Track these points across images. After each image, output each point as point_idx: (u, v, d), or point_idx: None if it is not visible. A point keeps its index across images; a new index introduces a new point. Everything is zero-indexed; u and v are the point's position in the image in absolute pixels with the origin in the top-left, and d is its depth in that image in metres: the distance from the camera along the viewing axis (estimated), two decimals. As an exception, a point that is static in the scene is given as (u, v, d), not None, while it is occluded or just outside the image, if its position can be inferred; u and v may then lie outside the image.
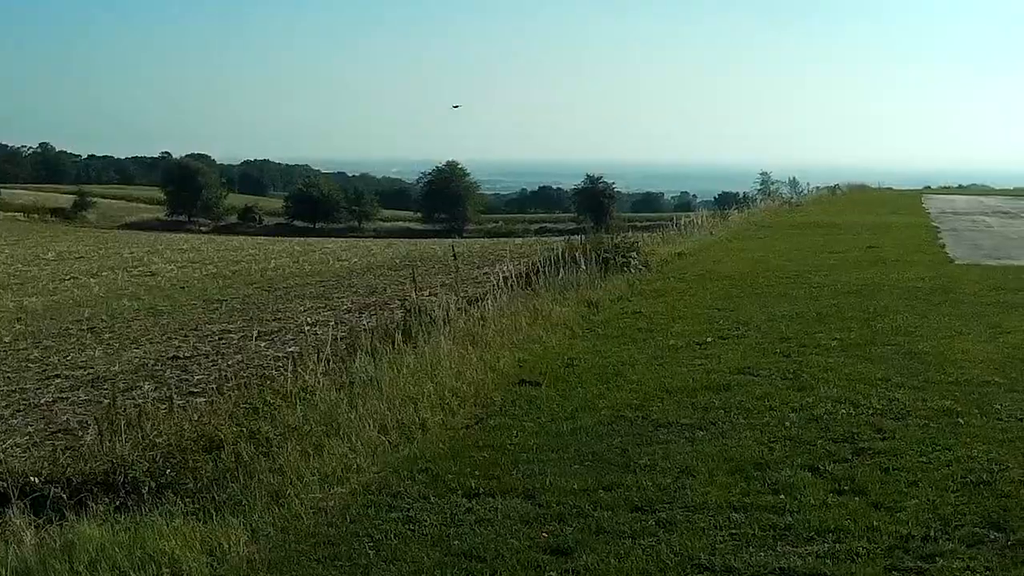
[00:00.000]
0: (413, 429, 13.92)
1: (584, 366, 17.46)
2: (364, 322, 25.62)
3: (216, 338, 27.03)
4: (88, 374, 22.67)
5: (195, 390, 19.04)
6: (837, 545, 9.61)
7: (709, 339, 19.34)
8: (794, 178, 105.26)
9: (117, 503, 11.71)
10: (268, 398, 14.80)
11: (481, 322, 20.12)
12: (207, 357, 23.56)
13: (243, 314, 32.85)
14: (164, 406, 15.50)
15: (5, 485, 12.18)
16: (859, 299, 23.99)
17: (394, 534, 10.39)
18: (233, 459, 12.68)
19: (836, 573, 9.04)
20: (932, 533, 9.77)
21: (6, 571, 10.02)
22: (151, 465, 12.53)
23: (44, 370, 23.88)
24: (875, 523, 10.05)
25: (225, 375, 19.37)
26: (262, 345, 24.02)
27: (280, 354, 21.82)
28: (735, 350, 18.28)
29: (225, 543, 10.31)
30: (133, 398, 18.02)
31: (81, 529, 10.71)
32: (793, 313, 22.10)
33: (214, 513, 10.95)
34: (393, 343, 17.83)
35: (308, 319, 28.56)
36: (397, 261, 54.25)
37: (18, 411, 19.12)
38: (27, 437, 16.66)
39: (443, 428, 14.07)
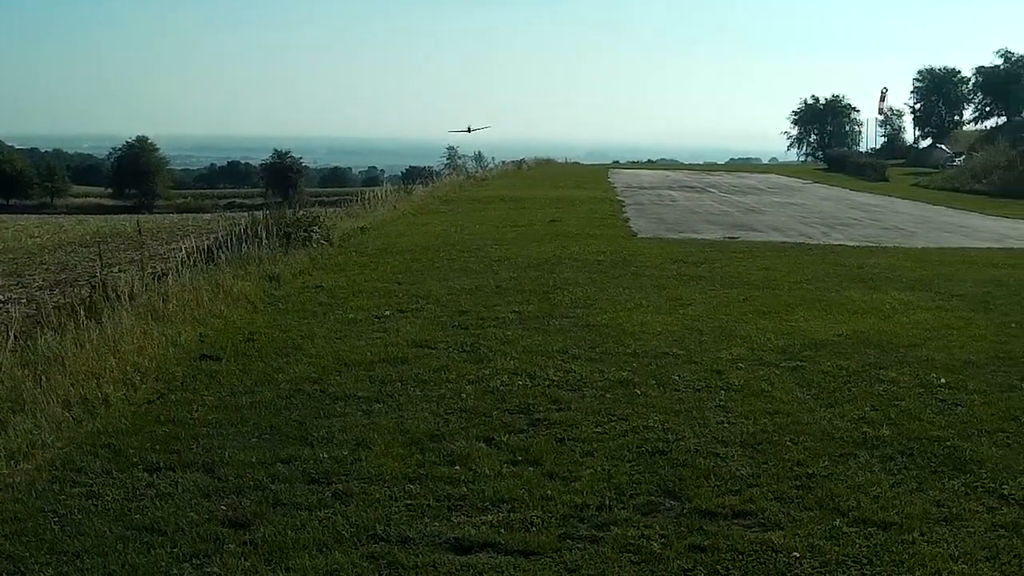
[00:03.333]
0: (96, 404, 13.79)
1: (264, 340, 17.42)
2: (55, 299, 24.98)
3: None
4: None
5: None
6: (512, 515, 9.87)
7: (388, 313, 19.56)
8: (479, 152, 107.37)
9: None
10: None
11: (164, 298, 19.94)
12: None
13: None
14: None
15: None
16: (539, 273, 24.66)
17: (78, 509, 10.28)
18: None
19: (510, 542, 9.29)
20: (607, 502, 10.14)
21: None
22: None
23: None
24: (550, 493, 10.37)
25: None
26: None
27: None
28: (414, 323, 18.53)
29: None
30: None
31: None
32: (473, 287, 22.53)
33: None
34: (77, 319, 17.56)
35: (1, 296, 27.91)
36: (88, 238, 53.18)
37: None
38: None
39: (125, 403, 13.91)
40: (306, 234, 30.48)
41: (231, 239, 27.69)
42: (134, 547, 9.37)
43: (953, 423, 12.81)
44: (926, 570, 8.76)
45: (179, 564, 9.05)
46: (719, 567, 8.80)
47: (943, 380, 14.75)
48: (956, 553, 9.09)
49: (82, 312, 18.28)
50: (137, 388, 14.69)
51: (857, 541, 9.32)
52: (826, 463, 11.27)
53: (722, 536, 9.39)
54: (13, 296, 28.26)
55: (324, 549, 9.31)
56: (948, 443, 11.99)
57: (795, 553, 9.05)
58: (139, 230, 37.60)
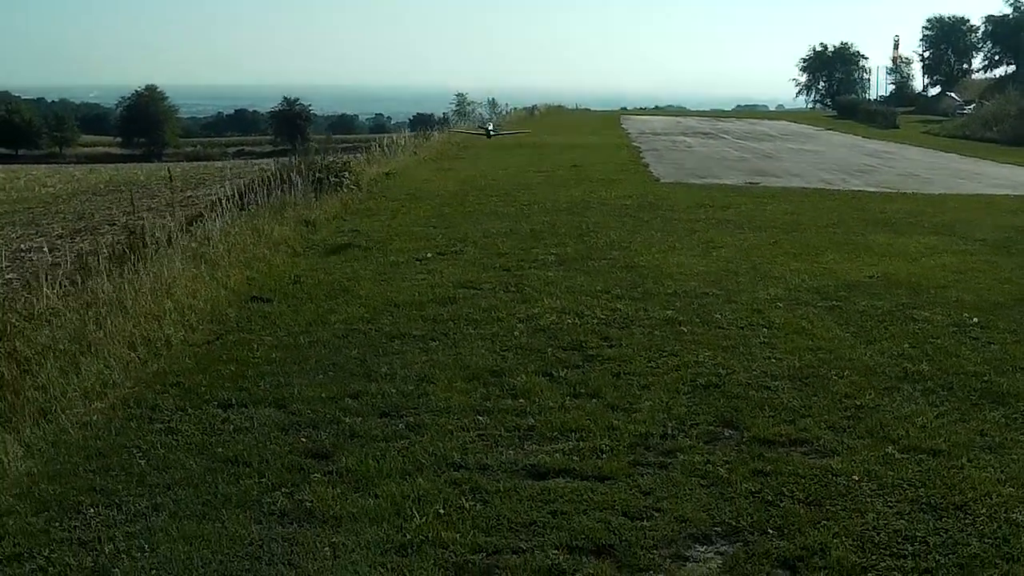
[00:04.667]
0: (159, 345, 14.21)
1: (311, 283, 17.84)
2: (78, 247, 25.35)
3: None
4: None
5: None
6: (581, 443, 10.34)
7: (428, 255, 19.96)
8: (493, 99, 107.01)
9: None
10: (13, 320, 14.89)
11: (206, 242, 20.31)
12: None
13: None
14: None
15: None
16: (570, 216, 25.07)
17: (159, 444, 10.69)
18: None
19: (584, 468, 9.76)
20: (670, 431, 10.61)
21: None
22: None
23: None
24: (614, 423, 10.83)
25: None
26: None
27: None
28: (455, 265, 18.94)
29: (3, 458, 10.49)
30: None
31: None
32: (507, 230, 22.93)
33: None
34: (123, 265, 17.94)
35: (22, 245, 28.17)
36: (102, 186, 53.35)
37: None
38: None
39: (186, 344, 14.34)
40: (337, 179, 30.81)
41: (261, 185, 28.02)
42: (222, 478, 9.81)
43: (988, 359, 13.26)
44: (977, 492, 9.21)
45: (270, 493, 9.50)
46: (784, 489, 9.26)
47: (975, 319, 15.19)
48: (1003, 477, 9.55)
49: (132, 257, 18.72)
50: (195, 329, 15.13)
51: (909, 466, 9.78)
52: (872, 395, 11.73)
53: (783, 462, 9.86)
54: (34, 244, 28.57)
55: (407, 476, 9.78)
56: (985, 378, 12.46)
57: (854, 476, 9.53)
58: (170, 177, 37.72)
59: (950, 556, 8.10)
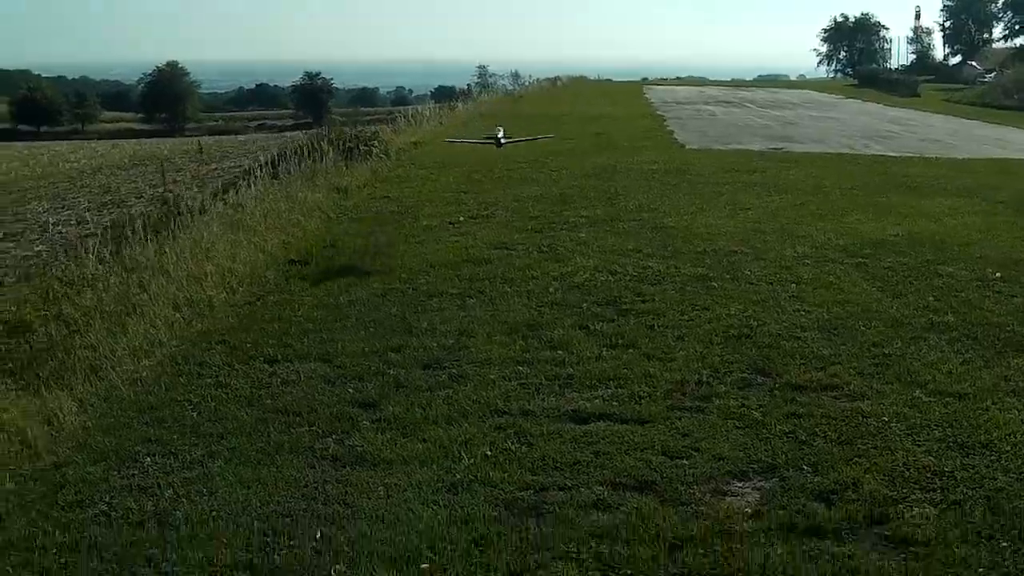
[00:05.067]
0: (202, 306, 14.64)
1: (346, 245, 18.21)
2: (108, 219, 25.73)
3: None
4: None
5: None
6: (620, 390, 10.69)
7: (461, 219, 20.26)
8: (516, 71, 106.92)
9: None
10: (55, 286, 15.35)
11: (241, 209, 20.68)
12: None
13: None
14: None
15: None
16: (598, 181, 25.34)
17: (210, 397, 11.07)
18: (45, 339, 13.40)
19: (624, 412, 10.10)
20: (705, 378, 10.96)
21: None
22: None
23: None
24: (651, 371, 11.17)
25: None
26: (10, 246, 23.97)
27: (27, 253, 21.87)
28: (488, 228, 19.23)
29: (59, 413, 10.91)
30: None
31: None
32: (537, 195, 23.19)
33: (42, 388, 11.53)
34: (159, 233, 18.36)
35: (50, 218, 28.54)
36: (125, 161, 53.58)
37: None
38: None
39: (228, 305, 14.74)
40: (367, 148, 31.18)
41: (292, 154, 28.39)
42: (274, 427, 10.17)
43: (1011, 311, 13.56)
44: (1001, 431, 9.53)
45: (322, 439, 9.87)
46: (817, 430, 9.59)
47: (998, 274, 15.46)
48: (1026, 419, 9.89)
49: (173, 224, 19.17)
50: (236, 291, 15.51)
51: (936, 409, 10.09)
52: (899, 344, 12.04)
53: (815, 405, 10.19)
54: (62, 217, 28.96)
55: (453, 422, 10.12)
56: (1008, 328, 12.76)
57: (884, 418, 9.84)
58: (200, 149, 38.17)
59: (977, 489, 8.41)
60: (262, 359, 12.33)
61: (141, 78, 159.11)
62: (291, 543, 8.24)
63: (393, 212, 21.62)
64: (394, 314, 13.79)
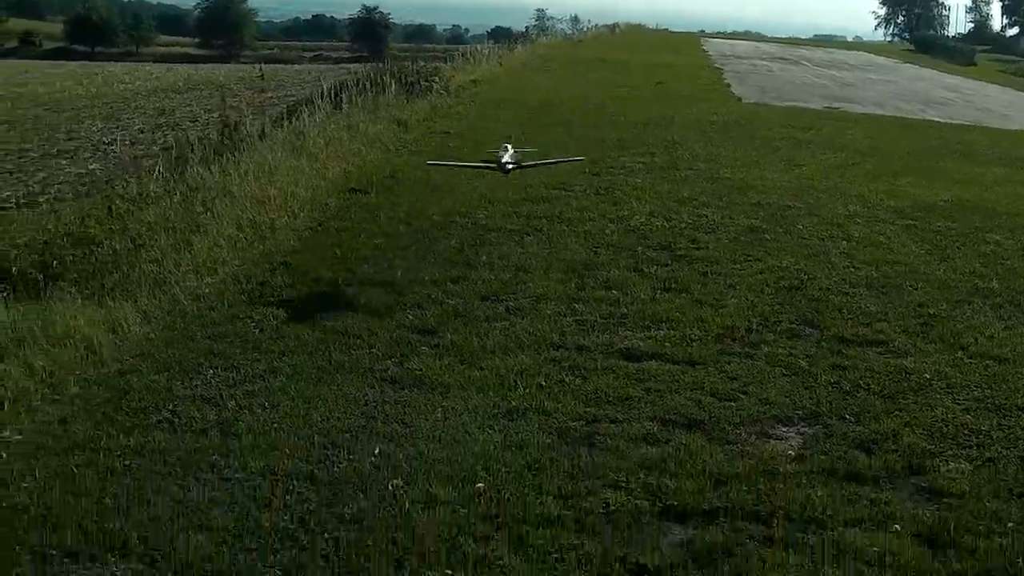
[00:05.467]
0: (264, 228, 14.95)
1: (406, 177, 18.46)
2: (160, 141, 26.05)
3: (16, 156, 26.95)
4: None
5: (6, 205, 19.27)
6: (672, 331, 10.96)
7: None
8: (575, 15, 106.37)
9: (8, 293, 12.57)
10: (118, 202, 15.71)
11: (302, 136, 20.94)
12: (11, 174, 23.60)
13: (37, 133, 32.59)
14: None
15: None
16: (657, 129, 25.44)
17: (272, 316, 11.41)
18: (111, 253, 13.74)
19: (675, 353, 10.39)
20: (754, 326, 11.22)
21: None
22: (34, 259, 13.59)
23: None
24: (702, 316, 11.43)
25: (32, 190, 19.88)
26: (63, 163, 24.28)
27: (82, 171, 22.17)
28: (546, 168, 19.35)
29: (124, 323, 11.28)
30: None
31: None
32: (596, 138, 23.31)
33: (107, 298, 11.91)
34: (219, 155, 18.67)
35: (104, 138, 28.83)
36: (180, 84, 53.84)
37: None
38: None
39: (290, 229, 15.04)
40: (427, 84, 31.39)
41: (353, 86, 28.60)
42: (335, 347, 10.50)
43: (1057, 283, 13.70)
44: (1039, 395, 9.79)
45: (381, 361, 10.19)
46: (861, 382, 9.83)
47: (1045, 245, 15.57)
48: (1064, 385, 10.10)
49: (232, 147, 19.47)
50: (297, 216, 15.80)
51: (977, 370, 10.32)
52: (944, 306, 12.22)
53: (860, 359, 10.43)
54: (116, 137, 29.30)
55: (509, 352, 10.42)
56: (1053, 299, 12.91)
57: (926, 375, 10.08)
58: (261, 74, 38.38)
59: (1012, 449, 8.65)
60: (323, 282, 12.69)
61: (198, 3, 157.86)
62: (350, 457, 8.59)
63: (453, 147, 21.79)
64: (453, 246, 14.07)
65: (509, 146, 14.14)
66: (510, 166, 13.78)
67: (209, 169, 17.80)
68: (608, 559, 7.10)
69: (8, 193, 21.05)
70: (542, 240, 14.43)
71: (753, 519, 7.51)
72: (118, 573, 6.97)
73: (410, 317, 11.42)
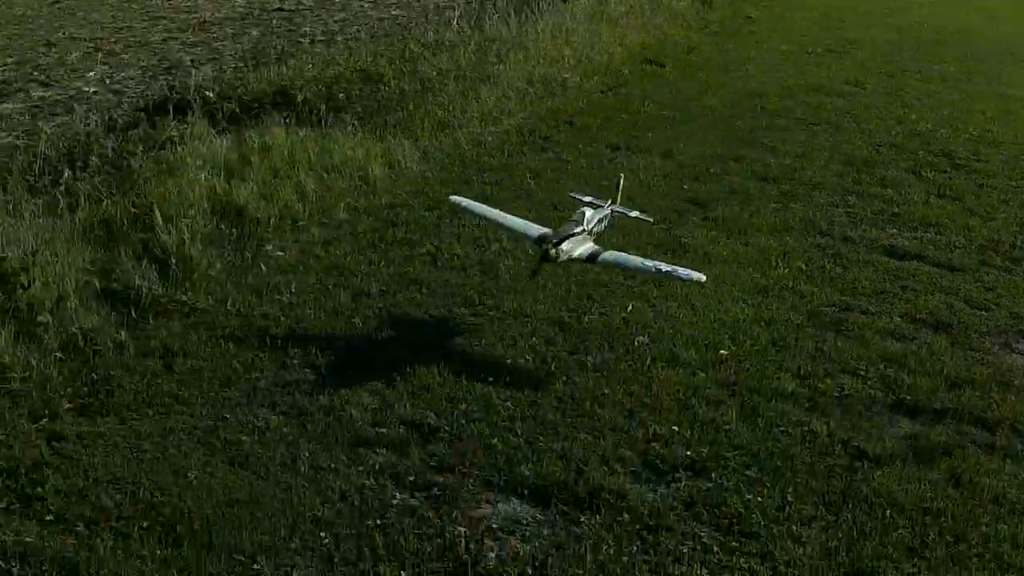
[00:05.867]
0: (554, 86, 15.58)
1: (704, 55, 18.73)
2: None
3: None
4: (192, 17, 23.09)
5: (302, 40, 19.95)
6: (938, 236, 11.19)
7: (819, 50, 20.23)
8: None
9: (290, 119, 13.47)
10: (412, 46, 16.48)
11: (605, 2, 21.18)
12: (312, 11, 24.29)
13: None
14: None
15: (187, 96, 14.19)
16: (960, 38, 24.61)
17: (549, 169, 12.18)
18: (397, 92, 14.60)
19: (937, 257, 10.66)
20: (1019, 242, 11.28)
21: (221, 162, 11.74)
22: (320, 91, 14.44)
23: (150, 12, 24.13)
24: (970, 225, 11.60)
25: (331, 29, 20.66)
26: (366, 5, 24.86)
27: (383, 16, 22.76)
28: (843, 64, 19.19)
29: (402, 159, 12.13)
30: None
31: (276, 132, 12.60)
32: (895, 40, 22.76)
33: (387, 135, 12.85)
34: (519, 12, 19.11)
35: None
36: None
37: (128, 47, 19.86)
38: (140, 71, 17.59)
39: (580, 90, 15.61)
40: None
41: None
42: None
43: None
44: None
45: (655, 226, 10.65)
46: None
47: None
48: None
49: (533, 4, 19.89)
50: (589, 78, 16.32)
51: None
52: None
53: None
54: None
55: (776, 233, 10.86)
56: None
57: None
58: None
59: None
60: (605, 145, 13.31)
61: None
62: (602, 311, 9.20)
63: (753, 32, 21.73)
64: (739, 126, 14.46)
65: (589, 209, 9.30)
66: (553, 252, 8.75)
67: (507, 23, 18.33)
68: (832, 440, 7.54)
69: (308, 29, 21.78)
70: (827, 132, 14.64)
71: (979, 425, 7.85)
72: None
73: (685, 188, 11.92)
